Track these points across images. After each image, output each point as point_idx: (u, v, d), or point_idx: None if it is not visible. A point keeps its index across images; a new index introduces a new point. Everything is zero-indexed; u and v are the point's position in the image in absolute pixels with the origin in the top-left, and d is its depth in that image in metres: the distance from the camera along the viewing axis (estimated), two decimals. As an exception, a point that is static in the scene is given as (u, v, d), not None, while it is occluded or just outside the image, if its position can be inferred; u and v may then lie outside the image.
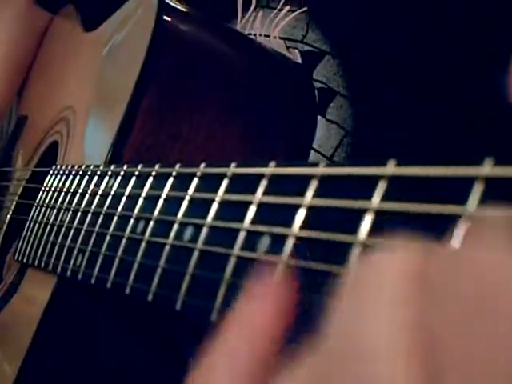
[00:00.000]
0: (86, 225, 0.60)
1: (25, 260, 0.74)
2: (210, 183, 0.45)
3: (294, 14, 0.78)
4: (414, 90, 0.64)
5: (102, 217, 0.58)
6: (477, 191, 0.27)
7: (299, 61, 0.75)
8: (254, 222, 0.39)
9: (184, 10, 0.74)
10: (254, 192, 0.40)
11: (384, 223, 0.31)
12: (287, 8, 0.80)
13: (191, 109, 0.68)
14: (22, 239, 0.76)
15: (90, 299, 0.63)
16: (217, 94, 0.69)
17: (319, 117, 0.70)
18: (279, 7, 0.81)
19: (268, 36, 0.80)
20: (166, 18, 0.71)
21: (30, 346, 0.65)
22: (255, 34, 0.82)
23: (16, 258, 0.78)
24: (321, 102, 0.71)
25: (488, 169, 0.27)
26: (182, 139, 0.67)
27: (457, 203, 0.28)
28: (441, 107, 0.61)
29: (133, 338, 0.64)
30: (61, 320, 0.65)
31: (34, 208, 0.75)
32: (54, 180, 0.73)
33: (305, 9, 0.77)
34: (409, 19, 0.66)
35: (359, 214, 0.32)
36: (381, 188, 0.32)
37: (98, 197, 0.61)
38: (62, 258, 0.63)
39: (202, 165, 0.47)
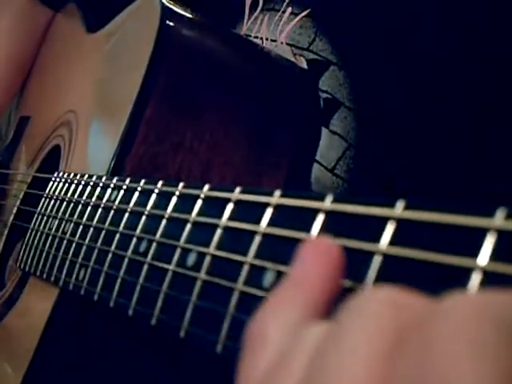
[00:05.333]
0: (88, 239, 0.60)
1: (27, 269, 0.73)
2: (213, 207, 0.45)
3: (298, 17, 0.77)
4: (419, 105, 0.62)
5: (104, 232, 0.57)
6: (489, 243, 0.27)
7: (305, 67, 0.74)
8: (258, 254, 0.38)
9: (188, 15, 0.73)
10: (258, 221, 0.39)
11: (392, 267, 0.31)
12: (289, 10, 0.78)
13: (194, 117, 0.67)
14: (23, 247, 0.75)
15: (93, 311, 0.63)
16: (221, 102, 0.68)
17: (323, 127, 0.69)
18: (282, 9, 0.79)
19: (275, 41, 0.79)
20: (169, 23, 0.69)
21: (32, 357, 0.64)
22: (261, 38, 0.81)
23: (18, 265, 0.77)
24: (325, 112, 0.69)
25: (500, 221, 0.26)
26: (185, 148, 0.66)
27: (468, 254, 0.27)
28: (447, 123, 0.60)
29: (137, 350, 0.63)
30: (63, 331, 0.65)
31: (35, 216, 0.75)
32: (56, 187, 0.72)
33: (308, 11, 0.76)
34: (416, 32, 0.65)
35: (367, 256, 0.32)
36: (389, 230, 0.31)
37: (100, 210, 0.60)
38: (64, 272, 0.62)
39: (206, 187, 0.46)
